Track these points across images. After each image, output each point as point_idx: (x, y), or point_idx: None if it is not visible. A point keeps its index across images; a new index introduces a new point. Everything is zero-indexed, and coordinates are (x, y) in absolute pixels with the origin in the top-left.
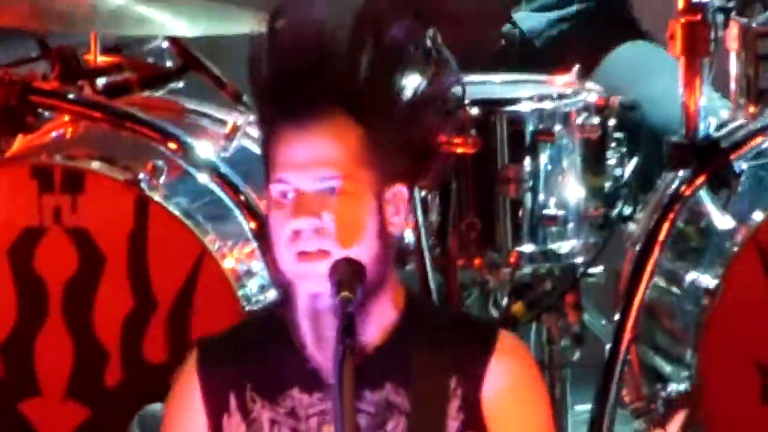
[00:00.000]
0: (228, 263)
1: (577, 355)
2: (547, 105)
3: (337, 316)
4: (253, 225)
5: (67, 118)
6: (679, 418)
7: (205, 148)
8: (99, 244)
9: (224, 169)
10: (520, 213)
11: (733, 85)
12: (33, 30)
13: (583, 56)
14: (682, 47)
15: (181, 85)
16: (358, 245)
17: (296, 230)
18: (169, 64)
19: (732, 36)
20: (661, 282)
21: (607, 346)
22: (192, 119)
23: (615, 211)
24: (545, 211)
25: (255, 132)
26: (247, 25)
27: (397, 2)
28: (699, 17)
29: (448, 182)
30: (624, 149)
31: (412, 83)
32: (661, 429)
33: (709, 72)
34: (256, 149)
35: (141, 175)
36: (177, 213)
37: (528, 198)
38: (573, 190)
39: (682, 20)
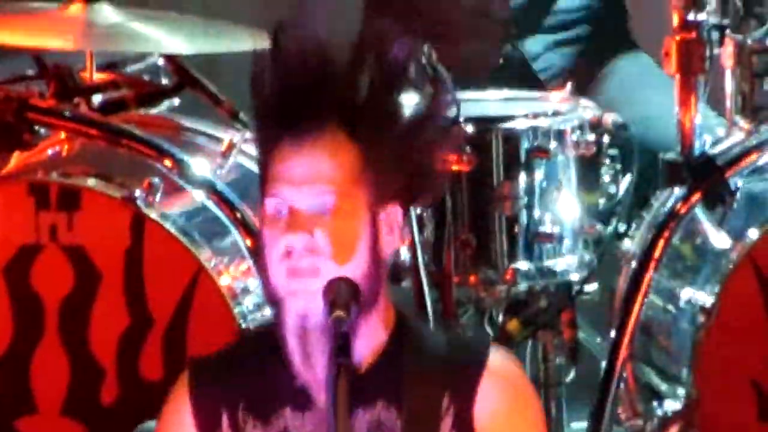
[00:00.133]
0: (224, 280)
1: (572, 373)
2: (542, 122)
3: (331, 336)
4: (249, 242)
5: (63, 135)
6: None
7: (201, 166)
8: (95, 261)
9: (220, 186)
10: (516, 230)
11: (728, 103)
12: (29, 48)
13: (580, 80)
14: (677, 65)
15: (177, 102)
16: (350, 264)
17: (289, 247)
18: (165, 81)
19: (727, 53)
20: (656, 300)
21: (603, 364)
22: (188, 137)
23: (610, 229)
24: (540, 228)
25: (251, 149)
26: (242, 42)
27: (397, 20)
28: (694, 35)
29: (444, 199)
30: (618, 166)
31: (410, 103)
32: None
33: (704, 89)
34: (253, 166)
35: (137, 193)
36: (173, 230)
37: (523, 215)
38: (568, 207)
39: (677, 38)
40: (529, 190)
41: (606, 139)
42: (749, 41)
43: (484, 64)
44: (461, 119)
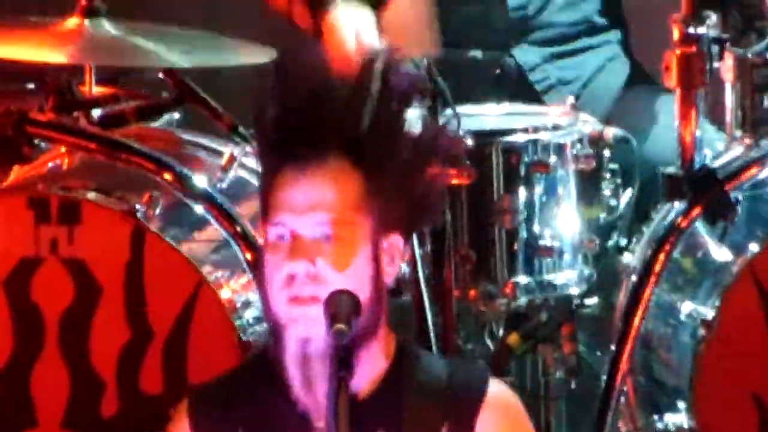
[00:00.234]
0: (224, 294)
1: (572, 387)
2: (542, 136)
3: (332, 348)
4: (249, 256)
5: (63, 149)
6: None
7: (201, 179)
8: (95, 274)
9: (220, 199)
10: (515, 244)
11: (728, 116)
12: (29, 62)
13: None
14: (677, 79)
15: (177, 116)
16: (354, 292)
17: (291, 274)
18: (165, 95)
19: (727, 67)
20: (657, 313)
21: (603, 378)
22: (188, 150)
23: (610, 242)
24: (540, 242)
25: (251, 163)
26: (242, 56)
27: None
28: (694, 49)
29: (443, 213)
30: (619, 180)
31: (413, 131)
32: None
33: (704, 103)
34: (253, 180)
35: (137, 206)
36: (173, 244)
37: (523, 229)
38: (568, 221)
39: (678, 52)
40: (529, 204)
41: (606, 153)
42: (749, 55)
43: (483, 73)
44: (461, 133)
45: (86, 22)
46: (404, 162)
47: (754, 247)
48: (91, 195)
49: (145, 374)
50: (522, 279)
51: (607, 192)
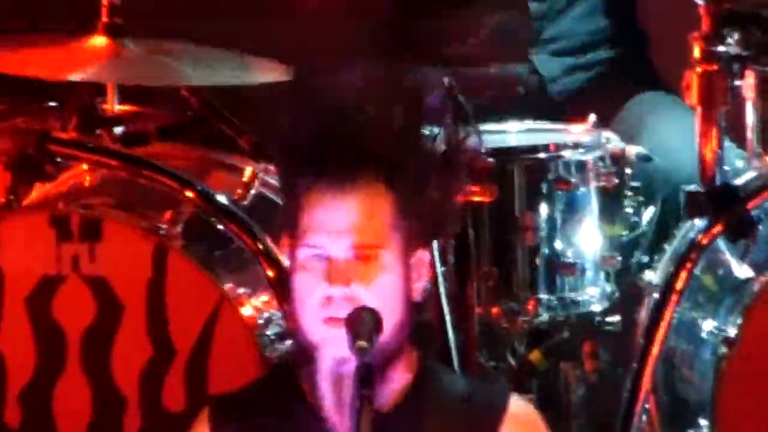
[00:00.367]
0: (246, 311)
1: (594, 404)
2: (564, 154)
3: (354, 366)
4: (270, 273)
5: (85, 166)
6: None
7: (222, 196)
8: (117, 292)
9: (242, 216)
10: (537, 261)
11: (749, 134)
12: (52, 80)
13: (599, 105)
14: (698, 97)
15: (199, 134)
16: (386, 313)
17: (328, 296)
18: (187, 113)
19: (748, 85)
20: (679, 331)
21: (625, 395)
22: (210, 167)
23: (632, 260)
24: (562, 260)
25: (273, 180)
26: (264, 75)
27: (421, 46)
28: (715, 67)
29: (466, 231)
30: (641, 198)
31: (438, 149)
32: None
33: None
34: (275, 197)
35: (159, 224)
36: (195, 261)
37: (545, 246)
38: (590, 238)
39: (699, 70)
40: (551, 222)
41: (628, 170)
42: None
43: (506, 89)
44: (483, 150)
45: (109, 40)
46: (433, 179)
47: None
48: (113, 213)
49: (168, 391)
50: (544, 296)
51: (629, 209)
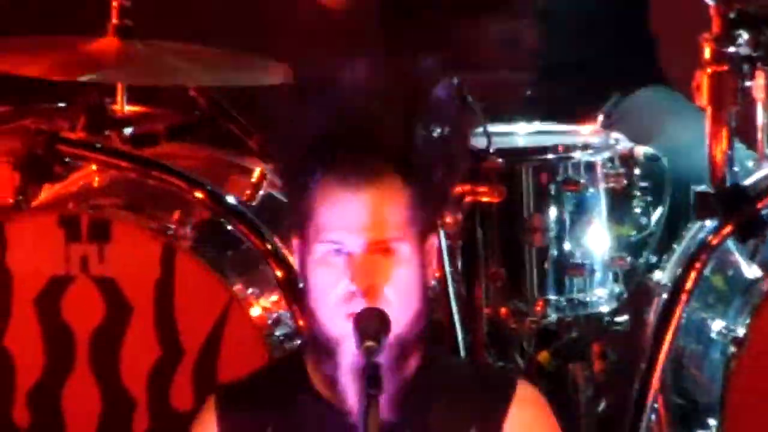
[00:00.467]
0: (255, 311)
1: (603, 404)
2: (573, 155)
3: (361, 365)
4: (279, 273)
5: (94, 167)
6: None
7: (231, 197)
8: (126, 292)
9: (251, 217)
10: (546, 262)
11: (759, 135)
12: (61, 81)
13: (602, 101)
14: (708, 98)
15: (207, 134)
16: (406, 305)
17: (351, 292)
18: (196, 113)
19: (758, 85)
20: (687, 331)
21: (634, 395)
22: (218, 168)
23: (641, 260)
24: (571, 260)
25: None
26: (273, 75)
27: (427, 50)
28: (726, 68)
29: (474, 231)
30: (649, 198)
31: (448, 139)
32: None
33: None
34: (283, 198)
35: (168, 224)
36: (204, 261)
37: (554, 247)
38: (599, 239)
39: (709, 71)
40: (560, 223)
41: (637, 171)
42: None
43: (514, 93)
44: (492, 151)
45: (118, 41)
46: (443, 169)
47: None
48: (122, 213)
49: (176, 392)
50: (552, 297)
51: (637, 210)
